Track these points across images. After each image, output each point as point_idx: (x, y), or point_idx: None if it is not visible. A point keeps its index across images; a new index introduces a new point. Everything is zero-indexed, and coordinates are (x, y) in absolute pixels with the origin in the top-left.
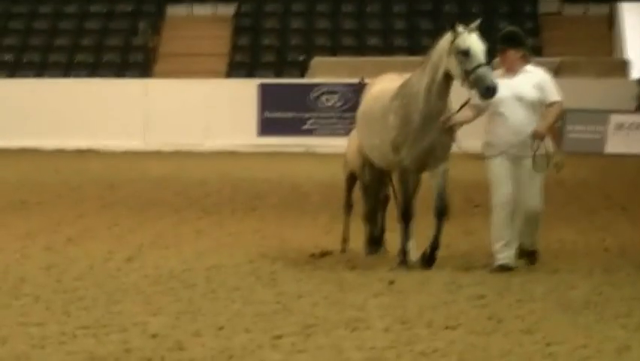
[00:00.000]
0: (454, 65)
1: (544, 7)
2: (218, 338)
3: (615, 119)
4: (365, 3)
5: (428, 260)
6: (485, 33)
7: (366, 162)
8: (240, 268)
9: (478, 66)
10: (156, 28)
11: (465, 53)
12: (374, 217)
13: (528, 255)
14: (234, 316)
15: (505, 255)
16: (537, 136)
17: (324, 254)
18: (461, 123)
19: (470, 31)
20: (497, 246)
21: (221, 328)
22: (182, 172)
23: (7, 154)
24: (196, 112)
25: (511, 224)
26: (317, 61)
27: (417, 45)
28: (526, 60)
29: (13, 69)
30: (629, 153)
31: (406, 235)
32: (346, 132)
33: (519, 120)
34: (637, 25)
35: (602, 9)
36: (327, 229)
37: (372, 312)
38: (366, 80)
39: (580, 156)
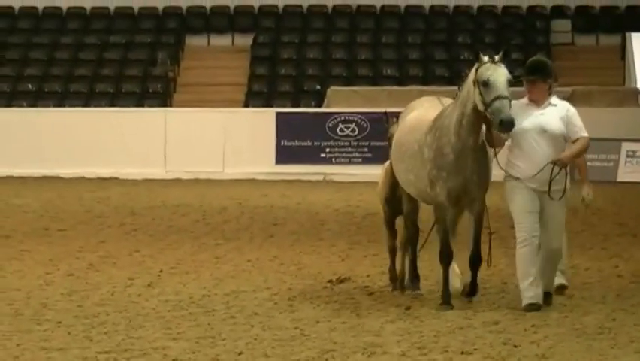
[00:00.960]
0: (477, 96)
1: (556, 38)
2: None
3: (627, 147)
4: (380, 34)
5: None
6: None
7: (403, 192)
8: (258, 293)
9: (497, 98)
10: (175, 59)
11: (485, 84)
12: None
13: (545, 296)
14: (253, 341)
15: (533, 294)
16: (559, 163)
17: (341, 280)
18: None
19: (493, 61)
20: (525, 284)
21: (240, 353)
22: (201, 200)
23: (30, 182)
24: (215, 141)
25: (536, 260)
26: (333, 90)
27: (431, 75)
28: (551, 92)
29: (35, 98)
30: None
31: (445, 277)
32: (362, 161)
33: (542, 153)
34: None
35: (614, 39)
36: (343, 256)
37: (389, 338)
38: (389, 112)
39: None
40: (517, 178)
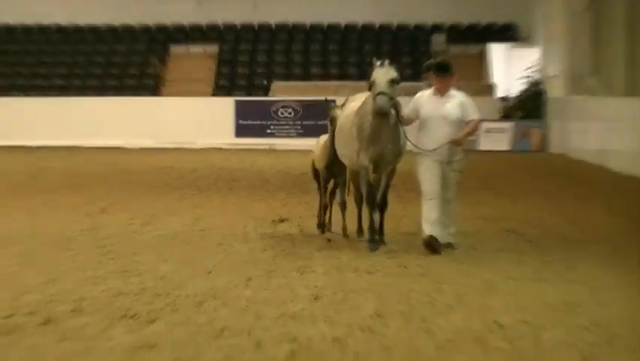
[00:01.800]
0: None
1: (434, 47)
2: (207, 280)
3: (485, 125)
4: (309, 44)
5: (374, 240)
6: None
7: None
8: (222, 230)
9: (378, 93)
10: (163, 62)
11: (373, 82)
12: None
13: (447, 246)
14: (219, 263)
15: (431, 228)
16: (454, 143)
17: (282, 220)
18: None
19: (381, 65)
20: (426, 225)
21: (209, 272)
22: (181, 163)
23: (61, 150)
24: (191, 120)
25: (437, 209)
26: (276, 84)
27: (346, 74)
28: (452, 84)
29: (63, 90)
30: (493, 150)
31: (370, 218)
32: (296, 135)
33: (442, 134)
34: (499, 60)
35: (476, 48)
36: (283, 203)
37: (316, 261)
38: (329, 98)
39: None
40: (424, 151)
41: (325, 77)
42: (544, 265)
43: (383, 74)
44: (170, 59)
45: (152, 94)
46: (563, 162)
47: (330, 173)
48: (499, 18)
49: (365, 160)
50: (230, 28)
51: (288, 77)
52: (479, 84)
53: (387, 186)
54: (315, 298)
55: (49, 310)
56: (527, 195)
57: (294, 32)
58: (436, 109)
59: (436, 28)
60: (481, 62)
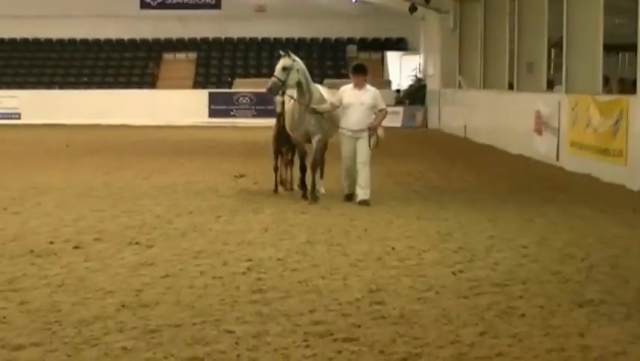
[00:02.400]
0: None
1: (348, 54)
2: (189, 218)
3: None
4: (260, 51)
5: (311, 194)
6: (315, 66)
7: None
8: (200, 183)
9: (272, 77)
10: (158, 65)
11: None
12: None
13: (362, 202)
14: (197, 206)
15: (349, 187)
16: (371, 129)
17: (241, 176)
18: (322, 111)
19: (282, 56)
20: (345, 183)
21: (190, 212)
22: (170, 136)
23: (85, 127)
24: (177, 106)
25: (351, 175)
26: (237, 81)
27: None
28: (366, 81)
29: (88, 85)
30: (389, 126)
31: (312, 180)
32: (252, 116)
33: (359, 116)
34: (394, 63)
35: (378, 55)
36: (242, 164)
37: (265, 205)
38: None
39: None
40: (345, 130)
41: (271, 75)
42: (424, 207)
43: (278, 63)
44: (163, 63)
45: (150, 87)
46: (438, 135)
47: (280, 143)
48: (394, 34)
49: (297, 136)
50: (204, 41)
51: (245, 75)
52: (380, 81)
53: (318, 151)
54: (265, 231)
55: (78, 238)
56: (412, 158)
57: (250, 44)
58: (355, 98)
59: (350, 40)
60: (381, 65)
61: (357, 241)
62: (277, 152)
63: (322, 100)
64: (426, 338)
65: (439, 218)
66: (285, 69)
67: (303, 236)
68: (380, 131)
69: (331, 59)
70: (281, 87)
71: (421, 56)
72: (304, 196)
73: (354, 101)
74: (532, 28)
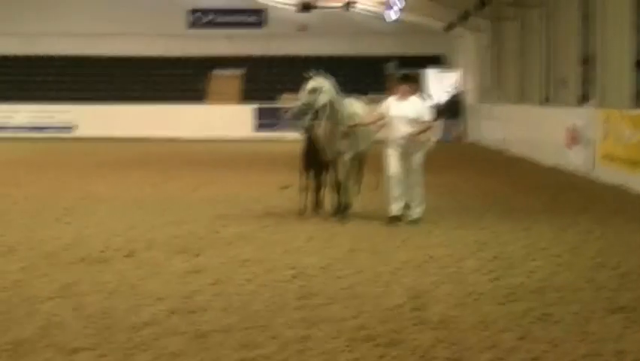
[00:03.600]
0: None
1: (387, 71)
2: (235, 227)
3: None
4: (304, 69)
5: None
6: (355, 83)
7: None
8: (245, 193)
9: (298, 100)
10: (207, 81)
11: (300, 91)
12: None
13: (411, 222)
14: (243, 216)
15: (394, 207)
16: (410, 135)
17: (286, 187)
18: (363, 124)
19: (309, 77)
20: (392, 201)
21: (237, 222)
22: (218, 149)
23: (136, 140)
24: (225, 120)
25: (400, 186)
26: (284, 97)
27: None
28: (412, 92)
29: (141, 100)
30: None
31: (342, 197)
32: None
33: (403, 129)
34: (432, 79)
35: (416, 71)
36: (287, 176)
37: (309, 214)
38: None
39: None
40: (389, 143)
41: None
42: (462, 217)
43: (306, 85)
44: (211, 79)
45: (199, 102)
46: (474, 148)
47: (306, 164)
48: (432, 51)
49: (329, 155)
50: (250, 58)
51: (294, 90)
52: (417, 88)
53: (344, 173)
54: (310, 239)
55: (130, 247)
56: (450, 170)
57: (293, 61)
58: (397, 110)
59: (389, 58)
60: (420, 81)
61: (398, 249)
62: (304, 172)
63: (353, 116)
64: (465, 343)
65: (477, 227)
66: (313, 91)
67: (347, 244)
68: (430, 142)
69: (371, 77)
70: (306, 111)
71: (458, 72)
72: (335, 215)
73: (396, 113)
74: (564, 45)
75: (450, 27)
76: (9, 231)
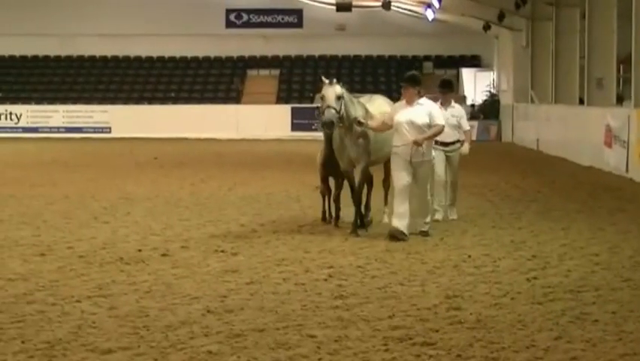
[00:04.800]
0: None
1: (425, 70)
2: (272, 226)
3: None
4: (340, 69)
5: (358, 227)
6: (393, 82)
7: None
8: (282, 193)
9: (327, 107)
10: (243, 81)
11: (322, 97)
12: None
13: (421, 233)
14: (279, 216)
15: (399, 223)
16: (415, 144)
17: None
18: (372, 127)
19: (330, 83)
20: (394, 218)
21: (273, 221)
22: (254, 149)
23: (173, 140)
24: (261, 120)
25: (405, 202)
26: (318, 95)
27: (365, 89)
28: (420, 95)
29: (176, 101)
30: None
31: (356, 212)
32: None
33: (411, 137)
34: (469, 79)
35: (453, 71)
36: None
37: (345, 214)
38: None
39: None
40: (396, 152)
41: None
42: (498, 216)
43: (331, 90)
44: (247, 79)
45: (235, 103)
46: (511, 148)
47: (326, 170)
48: (469, 51)
49: (342, 163)
50: (287, 58)
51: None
52: (455, 96)
53: (361, 181)
54: (345, 239)
55: (166, 246)
56: (486, 169)
57: (330, 61)
58: (405, 115)
59: (426, 58)
60: (457, 81)
61: (435, 249)
62: (324, 179)
63: (362, 117)
64: (502, 343)
65: (513, 227)
66: (339, 98)
67: (382, 244)
68: (465, 148)
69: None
70: (337, 118)
71: (495, 72)
72: (354, 232)
73: (404, 119)
74: (601, 45)
75: (487, 27)
76: (46, 231)
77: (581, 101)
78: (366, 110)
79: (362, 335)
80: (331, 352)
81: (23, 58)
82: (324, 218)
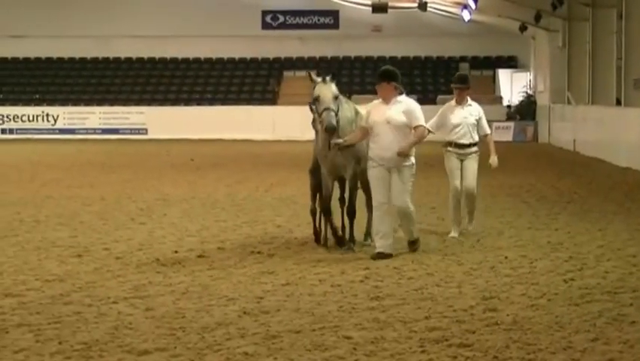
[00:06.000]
0: (315, 108)
1: (461, 71)
2: (309, 228)
3: (496, 124)
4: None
5: (346, 243)
6: (429, 83)
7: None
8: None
9: (325, 109)
10: (279, 82)
11: (317, 99)
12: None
13: (410, 244)
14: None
15: (381, 244)
16: (400, 154)
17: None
18: (352, 143)
19: (324, 82)
20: (376, 238)
21: (309, 223)
22: (290, 150)
23: (210, 141)
24: (297, 121)
25: (386, 220)
26: (354, 97)
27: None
28: (398, 92)
29: (212, 102)
30: (501, 140)
31: (329, 225)
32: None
33: (388, 140)
34: (505, 80)
35: (490, 72)
36: None
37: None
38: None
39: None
40: (372, 159)
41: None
42: (535, 217)
43: (327, 90)
44: (283, 81)
45: (271, 104)
46: (547, 148)
47: (316, 180)
48: (505, 52)
49: (324, 170)
50: (323, 60)
51: (362, 92)
52: (491, 97)
53: (351, 191)
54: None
55: (202, 248)
56: (523, 170)
57: (366, 62)
58: (381, 115)
59: (462, 59)
60: (493, 82)
61: (471, 250)
62: (314, 191)
63: (352, 121)
64: (539, 345)
65: (550, 228)
66: (336, 98)
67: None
68: (493, 160)
69: (444, 77)
70: (337, 119)
71: (531, 73)
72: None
73: (379, 119)
74: (638, 45)
75: (523, 27)
76: (83, 232)
77: (618, 102)
78: (357, 112)
79: (398, 337)
80: (367, 353)
81: (60, 60)
82: (317, 239)
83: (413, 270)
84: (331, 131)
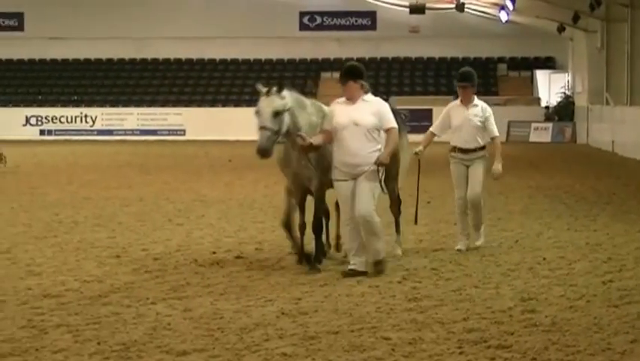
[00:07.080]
0: None
1: (499, 73)
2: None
3: (534, 125)
4: (414, 72)
5: (312, 260)
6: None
7: None
8: None
9: (260, 128)
10: (316, 84)
11: (257, 113)
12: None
13: (375, 265)
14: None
15: (355, 261)
16: (379, 165)
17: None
18: (317, 144)
19: (266, 94)
20: (350, 255)
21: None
22: None
23: (246, 143)
24: None
25: (357, 236)
26: (393, 98)
27: (440, 90)
28: (364, 90)
29: (250, 103)
30: (539, 141)
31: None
32: (407, 132)
33: (355, 144)
34: (543, 81)
35: (527, 73)
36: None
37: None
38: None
39: (518, 143)
40: (337, 167)
41: (424, 93)
42: (573, 218)
43: (267, 104)
44: (321, 82)
45: None
46: (586, 149)
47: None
48: (543, 53)
49: (288, 180)
50: (361, 61)
51: (399, 93)
52: (530, 98)
53: (317, 205)
54: (420, 241)
55: (240, 248)
56: (561, 171)
57: (404, 63)
58: (346, 116)
59: (500, 60)
60: (531, 83)
61: (509, 251)
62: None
63: (318, 125)
64: (578, 346)
65: (589, 229)
66: (277, 115)
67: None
68: (497, 167)
69: (482, 78)
70: (275, 140)
71: (569, 74)
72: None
73: (345, 121)
74: None
75: (561, 28)
76: (121, 233)
77: None
78: (324, 115)
79: (436, 338)
80: (406, 354)
81: (98, 61)
82: (300, 260)
83: (451, 271)
84: (261, 153)
